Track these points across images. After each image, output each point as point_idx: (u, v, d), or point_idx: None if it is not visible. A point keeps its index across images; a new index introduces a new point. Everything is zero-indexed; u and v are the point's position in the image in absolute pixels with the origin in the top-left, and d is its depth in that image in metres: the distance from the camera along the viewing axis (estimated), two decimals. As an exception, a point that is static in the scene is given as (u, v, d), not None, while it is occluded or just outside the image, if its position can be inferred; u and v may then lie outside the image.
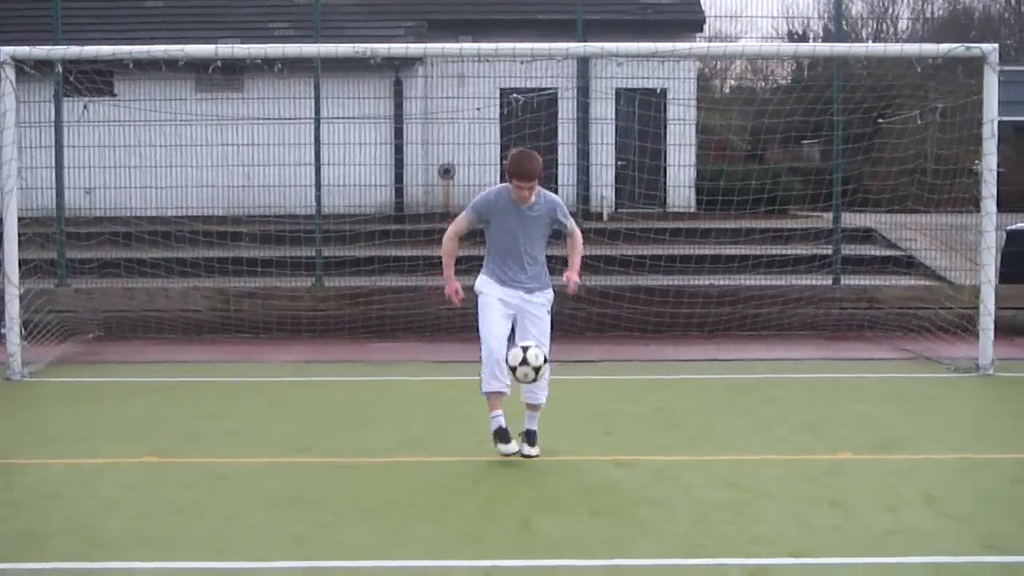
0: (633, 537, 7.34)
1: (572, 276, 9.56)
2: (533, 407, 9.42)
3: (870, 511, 7.91)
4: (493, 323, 9.31)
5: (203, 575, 6.57)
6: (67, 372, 13.90)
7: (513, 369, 9.01)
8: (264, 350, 15.63)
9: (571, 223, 9.69)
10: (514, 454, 9.30)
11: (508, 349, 9.16)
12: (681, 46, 15.02)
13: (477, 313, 9.45)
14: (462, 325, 16.78)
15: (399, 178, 21.82)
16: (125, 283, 17.48)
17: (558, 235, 9.80)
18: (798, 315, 17.05)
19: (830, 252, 17.97)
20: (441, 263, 9.66)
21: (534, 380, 9.03)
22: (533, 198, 9.34)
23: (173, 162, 19.17)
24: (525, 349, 9.01)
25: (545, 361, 9.03)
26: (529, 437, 9.42)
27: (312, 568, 6.69)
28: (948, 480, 8.75)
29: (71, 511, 7.93)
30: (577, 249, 9.72)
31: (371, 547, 7.09)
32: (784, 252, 18.68)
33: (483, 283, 9.46)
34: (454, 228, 9.58)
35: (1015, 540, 7.24)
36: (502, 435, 9.32)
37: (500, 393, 9.30)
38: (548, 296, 9.54)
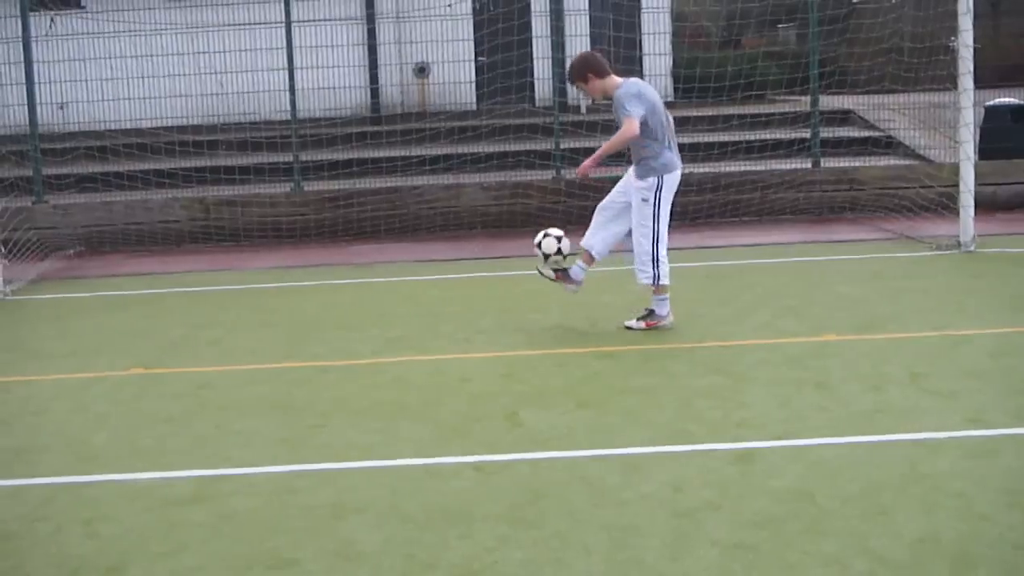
0: (620, 426, 7.38)
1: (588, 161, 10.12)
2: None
3: (854, 391, 7.96)
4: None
5: (193, 483, 6.60)
6: (49, 289, 13.87)
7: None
8: (245, 257, 15.61)
9: (622, 116, 9.82)
10: None
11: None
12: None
13: None
14: (442, 224, 16.82)
15: (374, 79, 21.68)
16: (103, 197, 17.42)
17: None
18: (779, 200, 17.06)
19: (809, 135, 17.92)
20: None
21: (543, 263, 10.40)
22: (614, 92, 9.90)
23: (145, 73, 18.98)
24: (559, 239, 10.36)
25: (558, 253, 10.32)
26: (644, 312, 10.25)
27: (301, 471, 6.73)
28: (930, 357, 8.80)
29: (60, 426, 7.95)
30: (610, 141, 9.95)
31: (359, 448, 7.12)
32: (763, 137, 18.63)
33: None
34: None
35: (996, 414, 7.30)
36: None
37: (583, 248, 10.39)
38: (647, 183, 9.93)
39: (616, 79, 10.00)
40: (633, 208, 9.99)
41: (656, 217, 9.89)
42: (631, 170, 10.11)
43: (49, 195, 17.42)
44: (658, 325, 10.09)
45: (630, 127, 9.70)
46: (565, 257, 10.36)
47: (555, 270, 10.35)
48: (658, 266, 9.92)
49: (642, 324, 10.09)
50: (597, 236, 10.20)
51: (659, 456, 6.76)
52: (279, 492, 6.39)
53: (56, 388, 9.03)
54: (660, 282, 9.98)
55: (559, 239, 10.32)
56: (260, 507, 6.17)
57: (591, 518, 5.83)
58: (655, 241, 9.90)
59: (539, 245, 10.35)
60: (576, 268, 10.31)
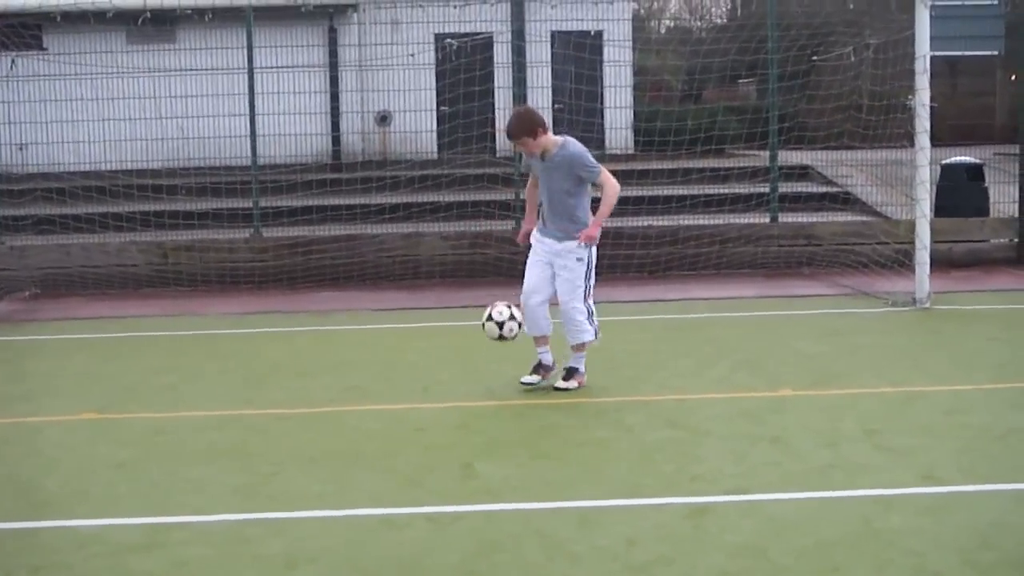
0: (575, 479, 7.37)
1: (585, 230, 9.54)
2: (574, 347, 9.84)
3: (810, 446, 7.98)
4: (528, 269, 9.77)
5: (145, 530, 6.54)
6: (3, 330, 13.77)
7: (490, 324, 9.78)
8: (203, 303, 15.54)
9: (596, 175, 9.54)
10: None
11: (503, 309, 9.81)
12: (614, -13, 14.96)
13: None
14: (401, 272, 16.81)
15: (336, 126, 21.70)
16: (61, 239, 17.31)
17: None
18: (737, 254, 17.15)
19: (767, 190, 18.03)
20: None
21: (499, 340, 9.83)
22: (554, 150, 9.53)
23: (106, 116, 18.91)
24: (501, 325, 9.73)
25: (519, 327, 9.75)
26: (566, 372, 9.86)
27: (254, 520, 6.68)
28: (886, 414, 8.84)
29: (11, 470, 7.87)
30: (606, 202, 9.57)
31: (314, 497, 7.08)
32: (722, 191, 18.73)
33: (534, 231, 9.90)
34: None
35: (950, 471, 7.33)
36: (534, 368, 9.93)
37: (538, 336, 9.84)
38: (575, 245, 9.58)
39: (554, 136, 9.69)
40: (565, 272, 9.60)
41: (588, 276, 9.64)
42: (541, 232, 9.74)
43: (5, 236, 17.33)
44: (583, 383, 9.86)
45: (615, 184, 9.56)
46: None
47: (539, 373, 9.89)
48: (593, 318, 9.72)
49: (574, 383, 9.76)
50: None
51: (614, 509, 6.75)
52: (232, 541, 6.34)
53: (8, 432, 8.95)
54: (599, 335, 9.81)
55: (513, 315, 9.75)
56: (212, 556, 6.12)
57: (545, 571, 5.81)
58: (586, 297, 9.63)
59: (501, 337, 9.75)
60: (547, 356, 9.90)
